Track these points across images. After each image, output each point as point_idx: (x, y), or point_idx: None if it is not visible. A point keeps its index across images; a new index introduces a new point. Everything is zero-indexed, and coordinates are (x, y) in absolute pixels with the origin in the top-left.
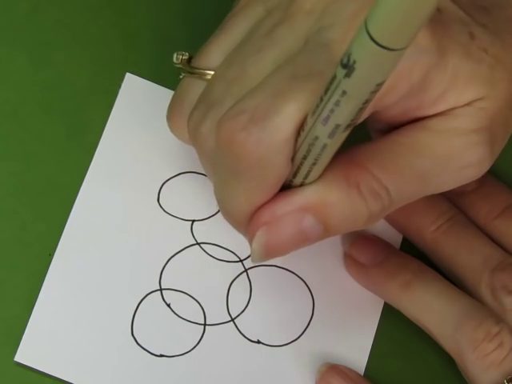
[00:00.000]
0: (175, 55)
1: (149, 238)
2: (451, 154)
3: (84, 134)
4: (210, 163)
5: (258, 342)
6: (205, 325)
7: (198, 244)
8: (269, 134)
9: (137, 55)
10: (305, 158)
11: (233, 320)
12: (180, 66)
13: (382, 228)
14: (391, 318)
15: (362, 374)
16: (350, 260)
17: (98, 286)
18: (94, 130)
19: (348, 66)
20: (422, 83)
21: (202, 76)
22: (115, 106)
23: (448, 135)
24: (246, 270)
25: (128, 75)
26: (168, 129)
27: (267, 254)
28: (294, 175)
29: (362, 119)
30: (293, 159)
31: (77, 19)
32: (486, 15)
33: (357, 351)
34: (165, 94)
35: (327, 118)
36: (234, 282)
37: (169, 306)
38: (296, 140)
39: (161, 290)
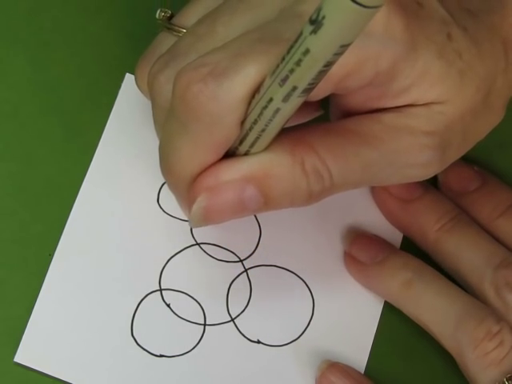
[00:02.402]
0: (158, 11)
1: (149, 239)
2: (399, 150)
3: (84, 135)
4: (162, 115)
5: (258, 341)
6: (205, 325)
7: (198, 244)
8: (224, 90)
9: (137, 55)
10: (255, 122)
11: (233, 320)
12: (160, 22)
13: (382, 227)
14: (391, 318)
15: (362, 373)
16: (350, 259)
17: (98, 286)
18: (93, 131)
19: (316, 22)
20: (388, 74)
21: (177, 33)
22: (115, 106)
23: (399, 132)
24: (245, 270)
25: (128, 75)
26: None
27: (206, 219)
28: (241, 142)
29: (322, 95)
30: (243, 123)
31: (76, 19)
32: (469, 18)
33: (357, 351)
34: None
35: (285, 79)
36: (234, 282)
37: (168, 306)
38: (249, 103)
39: (160, 290)
